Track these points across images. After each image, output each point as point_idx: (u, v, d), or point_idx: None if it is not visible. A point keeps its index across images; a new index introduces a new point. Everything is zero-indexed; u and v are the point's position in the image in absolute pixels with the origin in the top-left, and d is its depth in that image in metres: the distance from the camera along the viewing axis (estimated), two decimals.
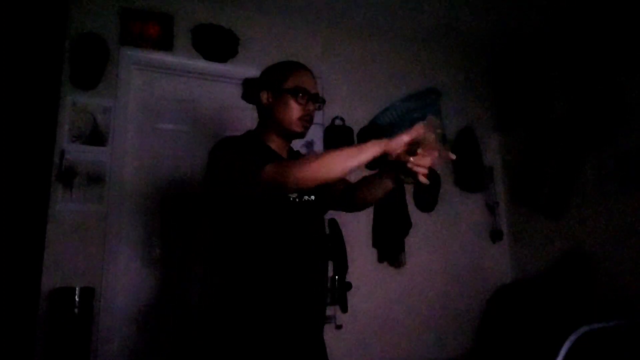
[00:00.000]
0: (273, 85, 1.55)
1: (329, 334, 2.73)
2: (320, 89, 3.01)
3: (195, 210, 2.69)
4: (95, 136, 2.55)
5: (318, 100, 1.58)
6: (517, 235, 3.40)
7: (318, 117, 3.01)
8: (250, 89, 1.63)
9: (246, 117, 2.50)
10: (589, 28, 2.97)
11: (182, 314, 2.57)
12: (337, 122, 3.09)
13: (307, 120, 1.54)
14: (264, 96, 1.56)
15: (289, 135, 1.57)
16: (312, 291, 1.48)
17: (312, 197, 1.52)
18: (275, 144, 1.58)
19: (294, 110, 1.52)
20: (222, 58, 2.88)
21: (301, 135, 1.57)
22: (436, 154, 1.39)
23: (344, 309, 2.84)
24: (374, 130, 3.14)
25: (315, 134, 3.02)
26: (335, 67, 3.17)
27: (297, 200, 1.46)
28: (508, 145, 3.52)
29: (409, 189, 3.18)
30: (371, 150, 1.34)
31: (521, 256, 3.35)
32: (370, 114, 3.17)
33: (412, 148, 1.35)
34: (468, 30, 3.29)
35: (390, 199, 3.09)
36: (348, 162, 1.35)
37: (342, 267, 2.87)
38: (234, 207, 1.44)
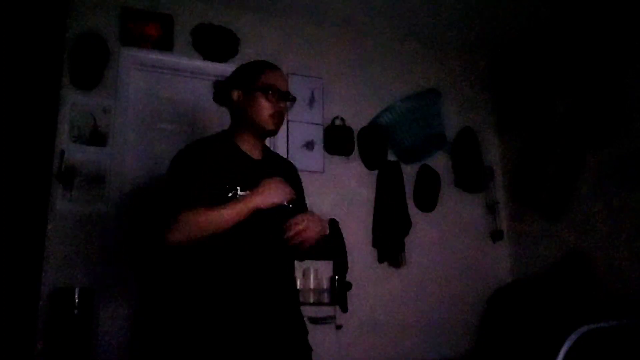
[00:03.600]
0: (244, 84, 1.58)
1: (329, 334, 2.75)
2: (320, 89, 3.08)
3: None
4: (95, 136, 2.55)
5: (288, 99, 1.61)
6: (517, 235, 3.39)
7: (318, 117, 3.06)
8: (221, 90, 1.65)
9: None
10: (590, 27, 2.96)
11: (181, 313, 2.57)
12: (337, 122, 3.09)
13: (278, 117, 1.57)
14: (235, 94, 1.58)
15: (261, 133, 1.59)
16: (268, 292, 1.46)
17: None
18: (247, 144, 1.59)
19: (265, 107, 1.55)
20: (222, 58, 2.87)
21: (273, 133, 1.60)
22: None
23: (344, 309, 2.83)
24: (374, 130, 3.14)
25: (315, 134, 3.02)
26: (335, 67, 3.17)
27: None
28: (508, 145, 3.52)
29: (409, 189, 3.18)
30: (240, 210, 1.42)
31: (521, 256, 3.35)
32: (370, 114, 3.17)
33: None
34: (468, 30, 3.29)
35: (390, 199, 3.09)
36: (222, 224, 1.41)
37: (342, 267, 2.87)
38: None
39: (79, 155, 2.50)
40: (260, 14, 3.03)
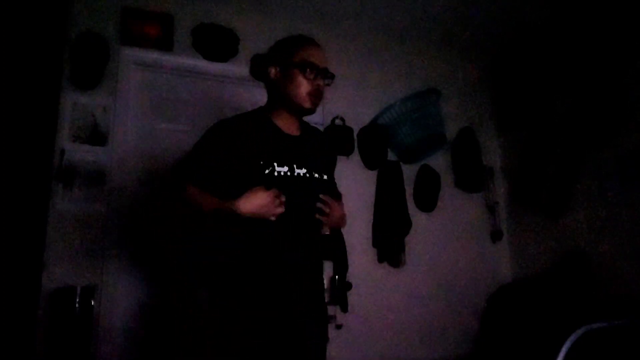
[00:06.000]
0: (281, 60, 1.54)
1: (329, 334, 2.75)
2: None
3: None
4: (95, 136, 2.55)
5: (327, 76, 1.57)
6: (517, 235, 3.39)
7: (318, 116, 3.05)
8: (258, 65, 1.62)
9: None
10: (590, 28, 2.96)
11: (181, 313, 2.57)
12: (337, 122, 3.09)
13: (315, 95, 1.53)
14: (272, 71, 1.55)
15: (298, 111, 1.55)
16: (297, 274, 1.47)
17: (304, 171, 1.52)
18: (283, 121, 1.56)
19: (302, 85, 1.51)
20: (222, 58, 2.87)
21: (310, 111, 1.56)
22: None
23: (344, 309, 2.83)
24: (374, 130, 3.14)
25: None
26: (335, 67, 3.15)
27: (287, 174, 1.48)
28: (508, 145, 3.52)
29: (409, 189, 3.18)
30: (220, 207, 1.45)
31: (521, 256, 3.35)
32: (370, 114, 3.17)
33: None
34: (468, 30, 3.29)
35: (390, 199, 3.09)
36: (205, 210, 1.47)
37: (342, 267, 2.87)
38: (222, 183, 1.48)
39: (79, 154, 2.50)
40: (260, 14, 3.03)
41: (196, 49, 2.84)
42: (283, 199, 1.43)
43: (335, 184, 1.72)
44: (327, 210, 1.51)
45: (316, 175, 1.55)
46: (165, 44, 2.77)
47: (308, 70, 1.51)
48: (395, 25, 3.23)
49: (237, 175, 1.46)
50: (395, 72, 3.34)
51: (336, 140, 3.05)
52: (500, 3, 2.94)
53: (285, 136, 1.56)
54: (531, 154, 3.25)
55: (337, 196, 1.67)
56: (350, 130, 3.11)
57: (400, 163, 3.18)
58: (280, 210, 1.42)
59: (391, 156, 3.18)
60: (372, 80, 3.27)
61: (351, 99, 3.18)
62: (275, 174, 1.45)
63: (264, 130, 1.53)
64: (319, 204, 1.51)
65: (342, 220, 1.59)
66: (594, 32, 2.93)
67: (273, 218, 1.42)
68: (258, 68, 1.62)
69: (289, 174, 1.47)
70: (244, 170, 1.45)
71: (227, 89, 2.86)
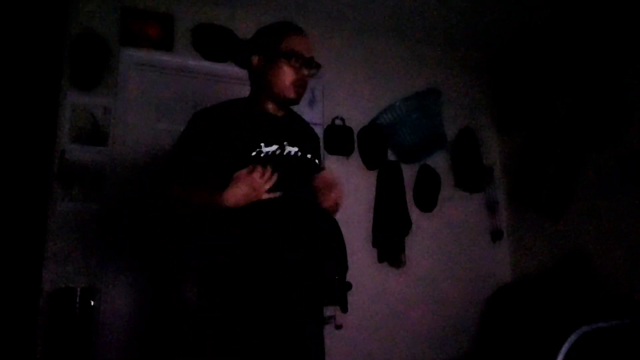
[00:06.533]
0: (265, 49, 1.49)
1: (329, 334, 2.75)
2: (320, 89, 3.07)
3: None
4: (95, 136, 2.55)
5: (312, 66, 1.50)
6: (517, 235, 3.39)
7: (318, 117, 3.06)
8: (241, 52, 1.60)
9: None
10: (590, 28, 2.96)
11: (181, 313, 2.57)
12: (337, 122, 3.09)
13: (300, 85, 1.48)
14: (255, 60, 1.50)
15: (282, 101, 1.51)
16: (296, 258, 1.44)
17: (296, 149, 1.47)
18: (270, 108, 1.52)
19: (287, 74, 1.46)
20: (222, 58, 2.87)
21: (295, 101, 1.51)
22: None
23: (344, 309, 2.83)
24: (374, 130, 3.14)
25: None
26: (335, 67, 3.17)
27: (276, 153, 1.43)
28: (508, 145, 3.52)
29: (409, 189, 3.18)
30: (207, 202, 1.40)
31: (521, 256, 3.35)
32: (370, 114, 3.17)
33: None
34: (468, 30, 3.29)
35: (390, 199, 3.09)
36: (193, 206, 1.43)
37: (342, 267, 2.87)
38: (210, 173, 1.44)
39: (79, 155, 2.50)
40: (260, 14, 3.02)
41: (196, 49, 2.84)
42: (268, 171, 1.34)
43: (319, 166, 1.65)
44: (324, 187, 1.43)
45: (309, 156, 1.50)
46: (165, 44, 2.77)
47: (293, 59, 1.45)
48: (395, 25, 3.23)
49: (224, 162, 1.40)
50: (395, 72, 3.34)
51: (336, 140, 3.05)
52: (500, 3, 2.94)
53: (272, 116, 1.51)
54: (531, 154, 3.24)
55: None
56: (350, 130, 3.11)
57: (400, 163, 3.18)
58: (268, 185, 1.34)
59: (391, 156, 3.18)
60: (372, 80, 3.27)
61: (351, 99, 3.19)
62: (263, 155, 1.40)
63: (247, 113, 1.48)
64: (316, 182, 1.44)
65: (337, 203, 1.47)
66: (594, 33, 2.93)
67: (265, 197, 1.35)
68: (241, 55, 1.59)
69: (278, 152, 1.42)
70: (230, 155, 1.39)
71: (227, 89, 2.85)
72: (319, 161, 1.58)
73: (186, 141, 1.48)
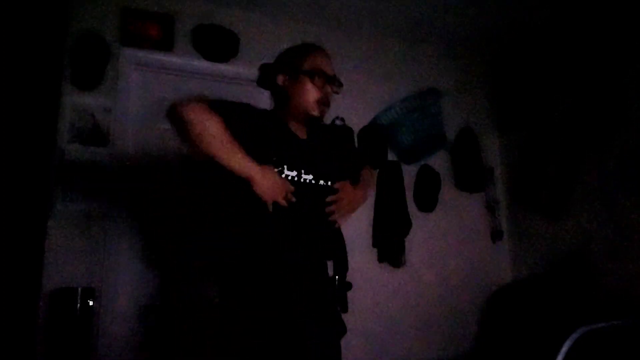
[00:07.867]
0: (290, 68, 1.54)
1: None
2: None
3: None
4: (95, 136, 2.55)
5: (336, 83, 1.58)
6: (517, 235, 3.40)
7: None
8: (266, 73, 1.62)
9: None
10: (590, 28, 2.96)
11: (181, 313, 2.57)
12: (337, 122, 3.09)
13: (324, 103, 1.54)
14: (280, 79, 1.55)
15: (306, 119, 1.56)
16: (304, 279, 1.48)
17: (310, 177, 1.52)
18: (293, 126, 1.57)
19: (311, 92, 1.52)
20: (222, 58, 2.87)
21: (318, 119, 1.56)
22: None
23: (344, 309, 2.83)
24: (374, 130, 3.14)
25: None
26: (335, 67, 3.15)
27: (294, 179, 1.47)
28: (508, 146, 3.52)
29: (409, 189, 3.18)
30: (239, 168, 1.35)
31: (521, 256, 3.35)
32: (370, 114, 3.17)
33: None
34: (468, 30, 3.29)
35: (391, 199, 3.09)
36: (218, 154, 1.34)
37: (342, 267, 2.87)
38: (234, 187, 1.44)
39: (79, 155, 2.50)
40: (260, 14, 3.03)
41: (196, 50, 2.84)
42: (292, 198, 1.42)
43: (358, 167, 1.76)
44: (336, 199, 1.54)
45: (321, 182, 1.55)
46: (166, 45, 2.77)
47: (317, 77, 1.51)
48: (395, 25, 3.23)
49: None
50: (395, 72, 3.34)
51: (336, 140, 3.05)
52: (500, 3, 2.94)
53: (296, 139, 1.56)
54: (531, 154, 3.25)
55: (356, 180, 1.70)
56: (350, 130, 3.11)
57: (401, 163, 3.18)
58: (284, 203, 1.41)
59: (391, 156, 3.18)
60: (372, 80, 3.27)
61: (351, 99, 3.18)
62: (283, 175, 1.45)
63: (278, 129, 1.53)
64: (329, 197, 1.52)
65: (352, 204, 1.60)
66: (594, 33, 2.93)
67: (270, 206, 1.40)
68: (265, 76, 1.62)
69: (296, 179, 1.48)
70: (257, 159, 1.42)
71: (228, 90, 2.86)
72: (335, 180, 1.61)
73: (237, 105, 1.49)
